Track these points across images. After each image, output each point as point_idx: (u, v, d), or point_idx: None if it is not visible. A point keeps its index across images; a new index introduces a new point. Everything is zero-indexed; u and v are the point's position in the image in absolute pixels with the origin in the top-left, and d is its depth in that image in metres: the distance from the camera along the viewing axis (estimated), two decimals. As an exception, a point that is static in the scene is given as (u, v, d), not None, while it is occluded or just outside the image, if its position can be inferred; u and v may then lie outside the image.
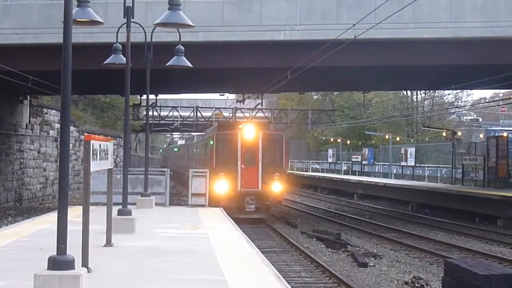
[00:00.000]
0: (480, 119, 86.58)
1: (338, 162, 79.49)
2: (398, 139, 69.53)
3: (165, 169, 30.33)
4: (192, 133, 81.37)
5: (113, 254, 13.83)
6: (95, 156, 11.01)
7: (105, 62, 21.19)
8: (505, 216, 34.94)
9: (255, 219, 34.87)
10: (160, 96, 63.64)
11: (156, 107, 65.61)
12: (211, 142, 37.05)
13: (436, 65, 32.34)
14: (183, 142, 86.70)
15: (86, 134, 10.91)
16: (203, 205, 26.82)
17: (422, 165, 57.53)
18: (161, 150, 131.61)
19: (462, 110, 79.48)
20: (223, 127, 40.56)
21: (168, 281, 11.04)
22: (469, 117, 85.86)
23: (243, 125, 36.99)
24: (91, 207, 11.33)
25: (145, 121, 36.42)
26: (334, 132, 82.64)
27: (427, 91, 75.53)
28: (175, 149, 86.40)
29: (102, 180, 21.76)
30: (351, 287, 18.97)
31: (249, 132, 35.95)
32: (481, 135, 63.73)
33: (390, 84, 47.27)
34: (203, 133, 57.84)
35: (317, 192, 68.55)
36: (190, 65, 21.87)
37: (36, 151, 47.84)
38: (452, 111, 76.05)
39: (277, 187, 35.74)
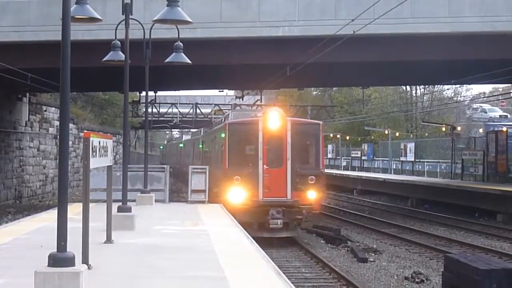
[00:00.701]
0: (509, 116, 74.50)
1: (337, 157, 79.53)
2: (397, 134, 69.52)
3: (165, 166, 30.33)
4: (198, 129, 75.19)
5: (113, 251, 13.84)
6: (94, 153, 11.01)
7: (104, 59, 21.19)
8: (504, 211, 34.95)
9: (283, 238, 26.35)
10: (159, 93, 63.68)
11: (155, 104, 65.51)
12: (222, 135, 28.01)
13: (435, 60, 32.34)
14: (188, 137, 73.63)
15: (85, 131, 10.92)
16: (202, 202, 26.82)
17: (421, 160, 57.54)
18: (162, 147, 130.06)
19: (481, 105, 76.42)
20: (239, 114, 32.31)
21: (168, 278, 11.04)
22: (496, 113, 74.08)
23: (266, 111, 27.92)
24: (91, 204, 11.34)
25: (144, 118, 36.34)
26: (334, 128, 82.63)
27: (426, 86, 75.54)
28: (181, 145, 74.77)
29: (101, 177, 21.76)
30: (351, 283, 18.98)
31: (274, 120, 26.88)
32: (481, 130, 63.67)
33: (389, 79, 47.24)
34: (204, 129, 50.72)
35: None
36: (189, 61, 21.86)
37: (36, 148, 47.83)
38: (474, 106, 75.56)
39: (312, 196, 26.54)
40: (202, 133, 49.52)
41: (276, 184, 26.34)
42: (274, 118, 26.93)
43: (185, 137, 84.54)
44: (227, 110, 52.21)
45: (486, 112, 74.28)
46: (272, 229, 25.91)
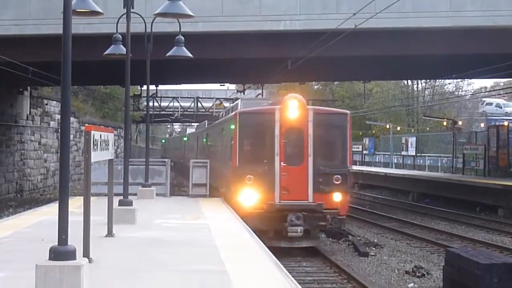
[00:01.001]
0: None
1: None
2: (398, 128, 69.53)
3: (166, 160, 30.35)
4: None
5: (114, 244, 13.85)
6: (95, 147, 11.02)
7: (105, 53, 21.20)
8: (505, 206, 34.95)
9: (303, 248, 22.83)
10: (161, 87, 63.56)
11: (157, 98, 65.54)
12: (232, 127, 24.05)
13: (436, 55, 32.29)
14: (193, 130, 68.50)
15: (86, 125, 10.93)
16: (204, 196, 26.84)
17: (422, 154, 57.53)
18: (164, 141, 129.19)
19: (496, 100, 75.21)
20: (250, 103, 28.40)
21: (169, 271, 11.05)
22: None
23: (284, 99, 23.64)
24: (92, 198, 11.35)
25: (145, 112, 36.32)
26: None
27: (428, 81, 75.47)
28: (185, 139, 68.91)
29: (103, 171, 21.79)
30: (352, 277, 18.99)
31: (293, 109, 23.01)
32: (482, 125, 63.62)
33: (390, 73, 47.21)
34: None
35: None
36: (190, 55, 21.87)
37: (37, 142, 47.83)
38: (488, 100, 75.17)
39: (337, 198, 22.80)
40: (207, 126, 44.72)
41: (296, 184, 22.58)
42: (293, 107, 22.91)
43: (189, 130, 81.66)
44: (228, 105, 51.76)
45: (501, 107, 73.62)
46: (291, 237, 22.19)
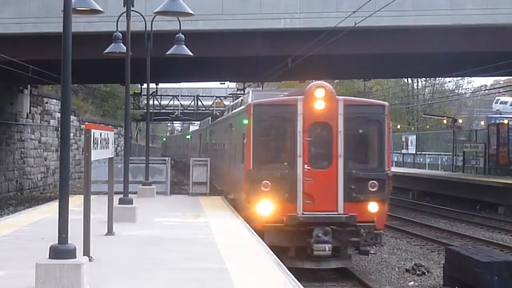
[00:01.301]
0: None
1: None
2: (399, 127, 69.55)
3: (166, 158, 30.34)
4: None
5: (115, 243, 13.85)
6: (96, 145, 11.02)
7: (105, 51, 21.20)
8: (506, 204, 34.95)
9: (332, 270, 19.27)
10: (161, 85, 63.60)
11: (157, 96, 65.57)
12: (245, 122, 19.98)
13: (436, 53, 32.28)
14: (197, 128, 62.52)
15: (86, 123, 10.94)
16: (204, 194, 26.84)
17: (423, 153, 57.54)
18: (165, 139, 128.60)
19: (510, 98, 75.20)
20: (264, 94, 24.44)
21: (169, 269, 11.05)
22: None
23: (308, 87, 19.57)
24: (92, 196, 11.35)
25: (145, 110, 36.32)
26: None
27: (428, 79, 75.49)
28: (188, 136, 64.78)
29: (103, 169, 21.81)
30: (353, 275, 18.99)
31: (320, 100, 18.99)
32: (482, 123, 63.62)
33: (390, 72, 47.19)
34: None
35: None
36: (190, 53, 21.87)
37: (37, 140, 47.83)
38: (502, 99, 75.11)
39: (373, 208, 18.74)
40: (210, 122, 40.57)
41: (322, 192, 18.64)
42: (320, 97, 18.90)
43: (192, 128, 75.86)
44: (228, 104, 51.27)
45: None
46: (317, 257, 18.20)
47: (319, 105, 18.90)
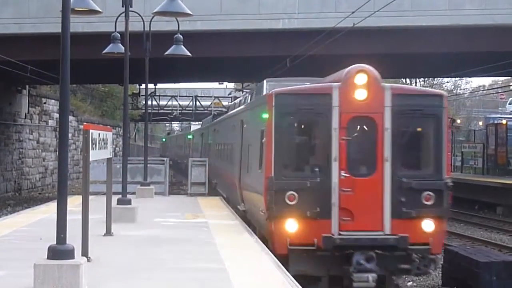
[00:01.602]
0: None
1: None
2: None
3: (164, 159, 30.31)
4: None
5: (113, 243, 13.84)
6: (94, 145, 11.01)
7: (104, 52, 21.20)
8: (504, 204, 34.95)
9: None
10: (159, 85, 63.62)
11: (155, 96, 65.55)
12: (264, 116, 15.82)
13: (435, 53, 32.29)
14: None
15: (85, 123, 10.92)
16: (203, 194, 26.83)
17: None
18: (164, 139, 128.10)
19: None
20: (287, 83, 18.39)
21: (168, 270, 11.04)
22: None
23: (346, 72, 15.39)
24: (90, 197, 11.35)
25: (144, 111, 36.26)
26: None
27: (426, 79, 75.51)
28: (189, 136, 60.31)
29: (101, 170, 21.82)
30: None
31: (362, 88, 15.14)
32: (480, 123, 63.64)
33: (389, 72, 47.04)
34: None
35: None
36: (189, 54, 21.86)
37: (35, 141, 47.82)
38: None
39: (429, 227, 15.01)
40: (214, 120, 37.04)
41: (364, 206, 14.73)
42: (361, 84, 15.04)
43: (194, 128, 70.11)
44: (227, 103, 50.38)
45: None
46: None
47: (361, 94, 14.98)
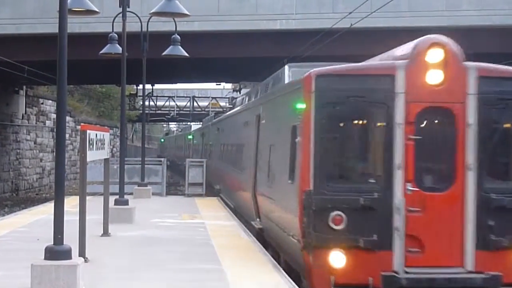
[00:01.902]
0: None
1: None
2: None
3: (162, 159, 30.29)
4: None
5: (110, 244, 13.84)
6: (91, 146, 11.00)
7: (101, 52, 21.20)
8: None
9: None
10: (156, 86, 63.64)
11: (153, 97, 65.57)
12: (297, 107, 11.51)
13: (432, 54, 32.29)
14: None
15: (82, 124, 10.94)
16: (200, 195, 26.81)
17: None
18: (162, 140, 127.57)
19: None
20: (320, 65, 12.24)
21: (165, 270, 11.04)
22: None
23: (414, 46, 12.06)
24: (87, 197, 11.34)
25: (141, 111, 36.24)
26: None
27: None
28: (190, 137, 56.61)
29: (98, 170, 21.81)
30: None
31: (436, 69, 11.24)
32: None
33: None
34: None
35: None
36: (186, 54, 21.86)
37: (33, 141, 47.77)
38: None
39: None
40: (219, 117, 33.26)
41: (439, 232, 10.85)
42: (436, 62, 11.44)
43: (194, 128, 64.74)
44: (224, 104, 49.90)
45: None
46: None
47: (435, 77, 11.14)
